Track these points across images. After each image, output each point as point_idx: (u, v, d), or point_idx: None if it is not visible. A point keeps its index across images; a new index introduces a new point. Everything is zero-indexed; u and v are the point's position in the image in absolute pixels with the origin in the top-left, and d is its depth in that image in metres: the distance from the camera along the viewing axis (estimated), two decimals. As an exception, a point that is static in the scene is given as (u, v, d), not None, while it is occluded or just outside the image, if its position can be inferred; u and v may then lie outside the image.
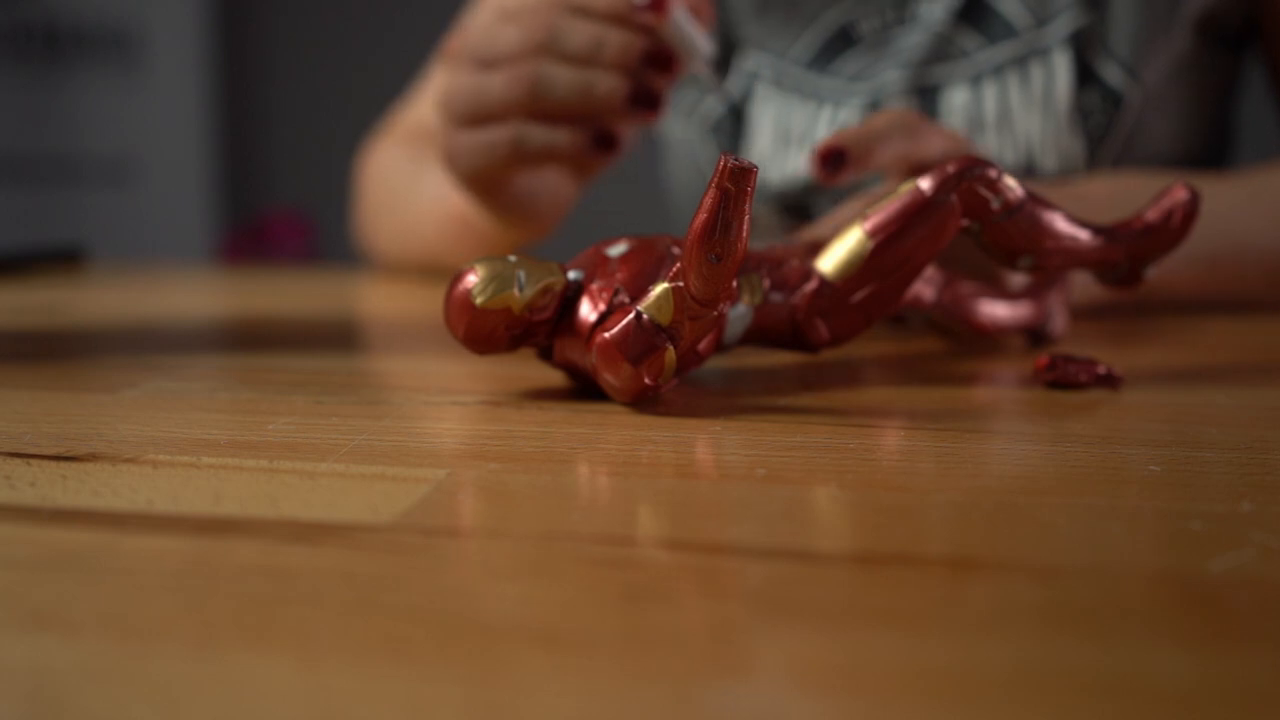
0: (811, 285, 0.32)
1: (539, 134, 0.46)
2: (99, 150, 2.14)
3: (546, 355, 0.31)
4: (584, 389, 0.31)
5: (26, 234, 2.05)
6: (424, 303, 0.55)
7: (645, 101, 0.44)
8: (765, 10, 0.65)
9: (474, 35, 0.46)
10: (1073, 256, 0.34)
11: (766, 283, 0.32)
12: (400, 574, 0.17)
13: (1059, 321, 0.41)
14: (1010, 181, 0.33)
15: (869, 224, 0.32)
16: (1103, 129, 0.59)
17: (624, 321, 0.28)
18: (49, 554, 0.18)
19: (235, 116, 2.27)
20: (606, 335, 0.28)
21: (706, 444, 0.25)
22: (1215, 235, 0.50)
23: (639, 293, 0.29)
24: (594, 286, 0.30)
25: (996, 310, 0.39)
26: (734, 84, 0.66)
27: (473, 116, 0.46)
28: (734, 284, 0.28)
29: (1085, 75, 0.59)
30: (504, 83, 0.45)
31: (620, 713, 0.13)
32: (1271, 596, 0.16)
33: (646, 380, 0.28)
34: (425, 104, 0.71)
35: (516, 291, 0.29)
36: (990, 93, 0.60)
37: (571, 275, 0.30)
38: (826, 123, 0.62)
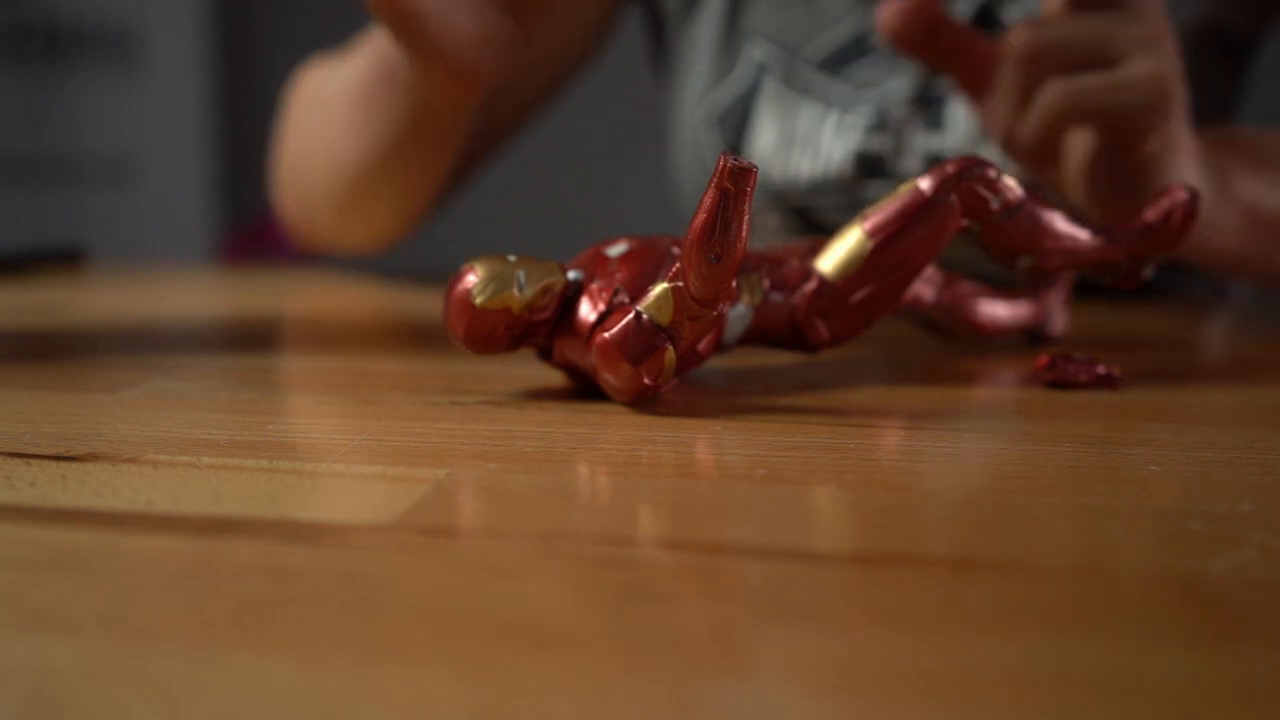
0: (811, 285, 0.32)
1: None
2: (99, 150, 2.14)
3: (546, 355, 0.31)
4: (584, 389, 0.31)
5: (26, 234, 2.05)
6: (424, 303, 0.55)
7: None
8: (784, 3, 0.65)
9: None
10: (1073, 256, 0.34)
11: (766, 283, 0.32)
12: (400, 574, 0.17)
13: (1059, 321, 0.41)
14: (1010, 181, 0.33)
15: (869, 224, 0.32)
16: None
17: (624, 321, 0.28)
18: (49, 554, 0.18)
19: (235, 116, 2.27)
20: (606, 335, 0.28)
21: (706, 444, 0.25)
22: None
23: (639, 293, 0.29)
24: (594, 286, 0.30)
25: (997, 310, 0.39)
26: (741, 74, 0.66)
27: None
28: (734, 284, 0.28)
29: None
30: None
31: (620, 713, 0.13)
32: (1271, 596, 0.16)
33: (646, 380, 0.28)
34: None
35: (516, 291, 0.29)
36: None
37: (571, 275, 0.30)
38: (832, 127, 0.62)
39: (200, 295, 0.64)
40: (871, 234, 0.32)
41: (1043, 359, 0.33)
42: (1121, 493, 0.22)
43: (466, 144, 0.64)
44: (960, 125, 0.60)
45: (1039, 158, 0.43)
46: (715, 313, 0.28)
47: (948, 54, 0.43)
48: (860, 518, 0.20)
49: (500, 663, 0.14)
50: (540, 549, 0.18)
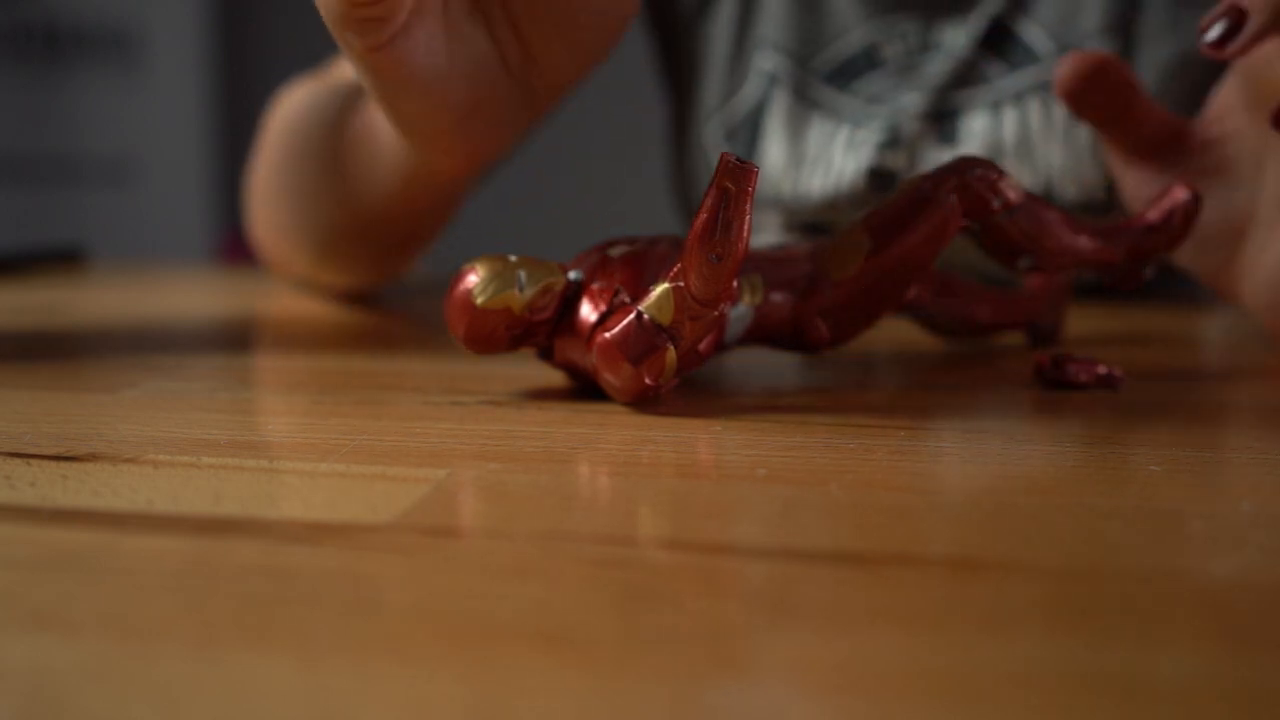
0: (811, 285, 0.32)
1: None
2: (99, 150, 2.14)
3: (547, 355, 0.31)
4: (584, 389, 0.31)
5: (26, 234, 2.05)
6: (423, 303, 0.55)
7: None
8: (794, 13, 0.65)
9: None
10: (1073, 256, 0.34)
11: (766, 283, 0.32)
12: (400, 574, 0.17)
13: (1059, 321, 0.41)
14: (1010, 181, 0.33)
15: (869, 224, 0.32)
16: None
17: (624, 321, 0.28)
18: (49, 554, 0.18)
19: (235, 116, 2.27)
20: (607, 335, 0.28)
21: (707, 444, 0.25)
22: None
23: (639, 293, 0.29)
24: (594, 287, 0.30)
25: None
26: (752, 86, 0.66)
27: None
28: (735, 284, 0.28)
29: None
30: None
31: (620, 713, 0.13)
32: (1271, 597, 0.16)
33: (647, 380, 0.28)
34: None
35: (517, 291, 0.29)
36: (1010, 119, 0.59)
37: (572, 275, 0.30)
38: (844, 143, 0.62)
39: (200, 295, 0.64)
40: (872, 234, 0.32)
41: (1043, 359, 0.33)
42: (1121, 493, 0.22)
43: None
44: (975, 140, 0.60)
45: None
46: (716, 313, 0.28)
47: (1120, 119, 0.38)
48: (860, 518, 0.20)
49: (500, 663, 0.14)
50: (541, 549, 0.18)
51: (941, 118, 0.61)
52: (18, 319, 0.48)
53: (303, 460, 0.24)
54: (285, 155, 0.51)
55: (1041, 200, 0.33)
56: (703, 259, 0.26)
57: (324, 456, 0.24)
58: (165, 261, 0.87)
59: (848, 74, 0.63)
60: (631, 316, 0.28)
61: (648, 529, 0.19)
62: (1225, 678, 0.14)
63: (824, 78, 0.64)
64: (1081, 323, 0.46)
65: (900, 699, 0.13)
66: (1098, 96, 0.38)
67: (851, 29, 0.64)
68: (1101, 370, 0.33)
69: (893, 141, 0.61)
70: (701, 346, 0.30)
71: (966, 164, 0.32)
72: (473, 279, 0.29)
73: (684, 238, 0.29)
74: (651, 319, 0.28)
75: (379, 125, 0.40)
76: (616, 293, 0.29)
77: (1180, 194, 0.34)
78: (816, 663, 0.14)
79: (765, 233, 0.66)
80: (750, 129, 0.65)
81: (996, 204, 0.32)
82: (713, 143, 0.68)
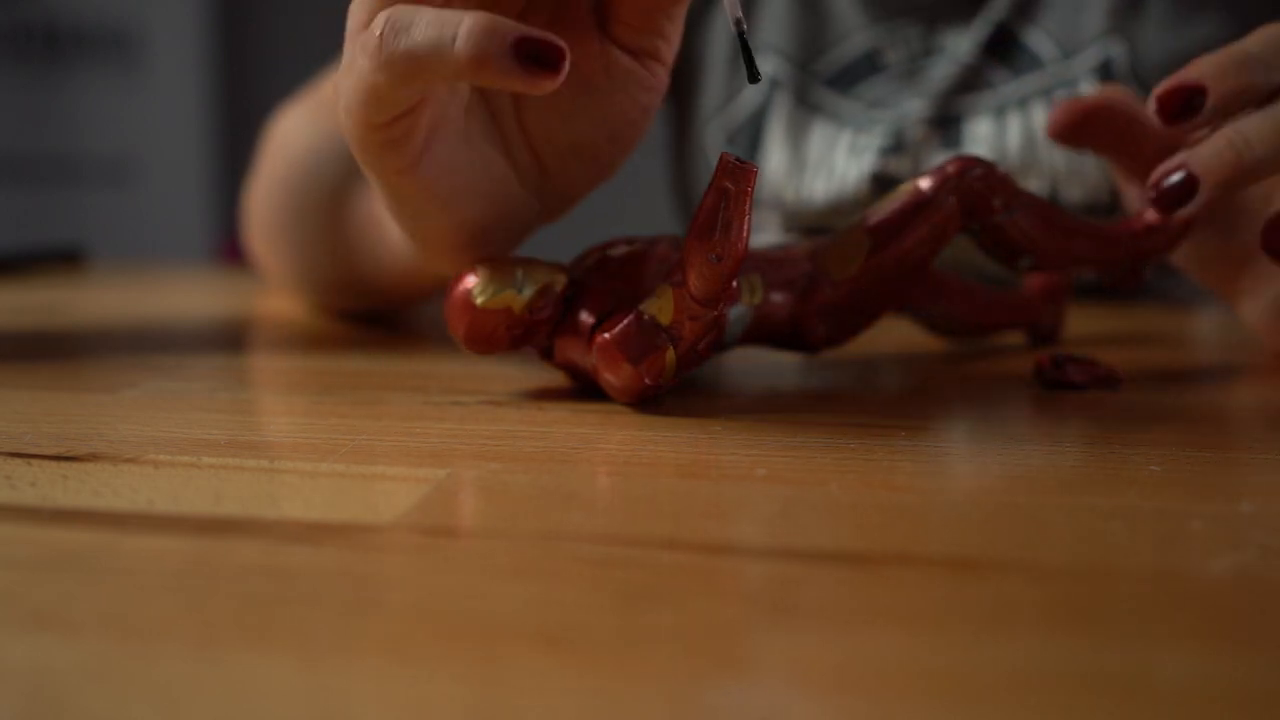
0: (811, 285, 0.32)
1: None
2: (99, 150, 2.14)
3: (547, 355, 0.31)
4: (584, 389, 0.31)
5: (26, 234, 2.05)
6: (424, 303, 0.55)
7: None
8: (796, 17, 0.65)
9: None
10: (1073, 257, 0.34)
11: (766, 283, 0.32)
12: (400, 574, 0.17)
13: (1059, 321, 0.41)
14: (1010, 181, 0.33)
15: (869, 224, 0.32)
16: None
17: (625, 322, 0.28)
18: (49, 554, 0.18)
19: (235, 116, 2.27)
20: (607, 335, 0.28)
21: (707, 444, 0.25)
22: None
23: (639, 293, 0.29)
24: (595, 287, 0.30)
25: (996, 309, 0.39)
26: (753, 89, 0.66)
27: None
28: (734, 284, 0.28)
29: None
30: None
31: (620, 713, 0.13)
32: (1271, 596, 0.16)
33: (647, 380, 0.28)
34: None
35: (517, 292, 0.29)
36: (1014, 124, 0.59)
37: (572, 276, 0.30)
38: (846, 148, 0.62)
39: (200, 295, 0.64)
40: (872, 234, 0.32)
41: (1043, 359, 0.33)
42: (1121, 493, 0.22)
43: None
44: (979, 145, 0.60)
45: None
46: (716, 313, 0.28)
47: (1118, 146, 0.38)
48: (860, 518, 0.20)
49: (501, 662, 0.14)
50: (541, 549, 0.18)
51: (945, 123, 0.60)
52: (18, 319, 0.48)
53: (303, 460, 0.24)
54: (283, 205, 0.50)
55: (1041, 200, 0.33)
56: (703, 259, 0.26)
57: (324, 456, 0.24)
58: (165, 261, 0.87)
59: (849, 78, 0.63)
60: (631, 317, 0.28)
61: (648, 529, 0.19)
62: (1225, 678, 0.14)
63: (825, 82, 0.64)
64: (1081, 323, 0.46)
65: (900, 699, 0.13)
66: (1089, 138, 0.38)
67: (853, 33, 0.64)
68: (1101, 370, 0.33)
69: (896, 147, 0.60)
70: (701, 346, 0.30)
71: (967, 164, 0.32)
72: (473, 280, 0.29)
73: (684, 238, 0.29)
74: (651, 319, 0.28)
75: (386, 222, 0.39)
76: (617, 293, 0.29)
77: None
78: (816, 663, 0.14)
79: (765, 233, 0.65)
80: (751, 133, 0.65)
81: (996, 204, 0.32)
82: (713, 146, 0.67)
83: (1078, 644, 0.15)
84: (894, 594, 0.16)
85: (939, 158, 0.60)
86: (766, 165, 0.64)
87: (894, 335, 0.43)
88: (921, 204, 0.32)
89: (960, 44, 0.61)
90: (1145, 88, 0.57)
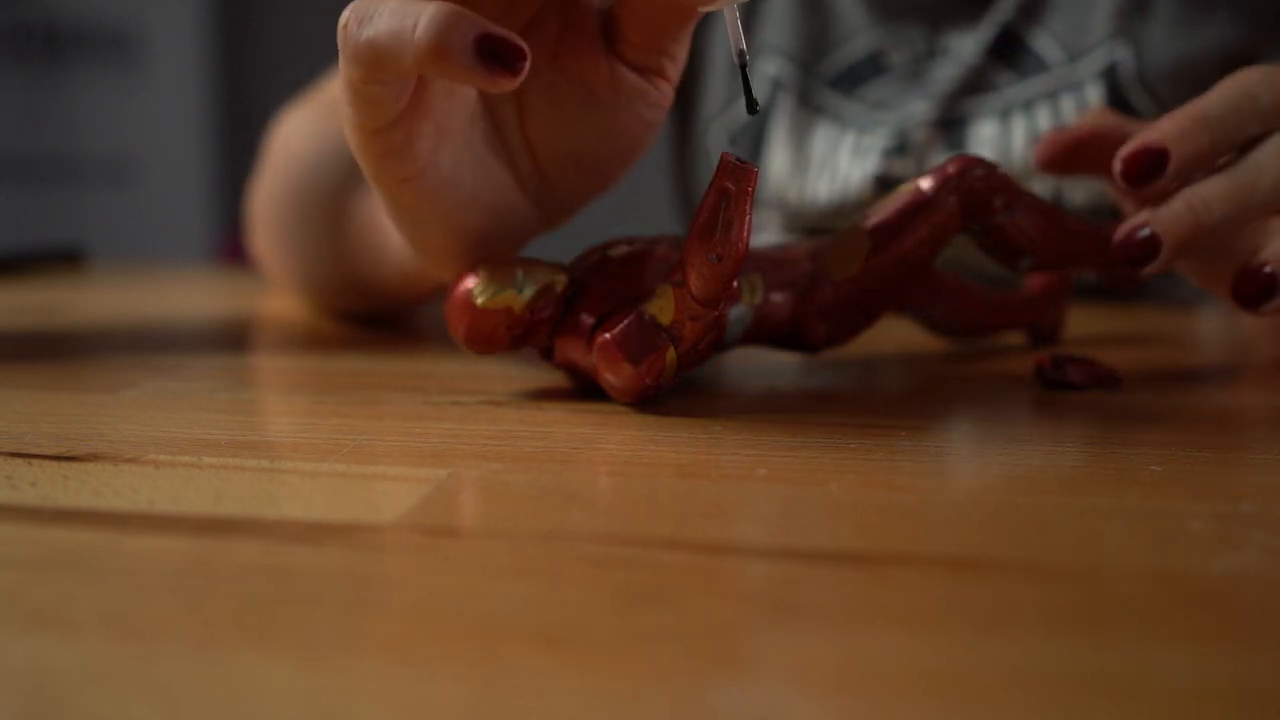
0: (811, 285, 0.32)
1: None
2: (99, 150, 2.14)
3: (547, 355, 0.31)
4: (584, 389, 0.31)
5: (26, 234, 2.05)
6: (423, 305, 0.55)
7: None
8: (799, 18, 0.65)
9: None
10: (1073, 257, 0.34)
11: (766, 283, 0.32)
12: (401, 574, 0.17)
13: (1059, 321, 0.41)
14: (1011, 181, 0.33)
15: (869, 224, 0.32)
16: None
17: (625, 321, 0.28)
18: (50, 554, 0.18)
19: (235, 116, 2.27)
20: (607, 335, 0.28)
21: (707, 444, 0.25)
22: None
23: (639, 293, 0.29)
24: (595, 287, 0.30)
25: (996, 309, 0.39)
26: (756, 91, 0.65)
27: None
28: (734, 284, 0.28)
29: (1118, 110, 0.58)
30: None
31: (620, 713, 0.13)
32: (1271, 596, 0.16)
33: (647, 380, 0.28)
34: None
35: (517, 292, 0.29)
36: (1019, 127, 0.59)
37: (572, 276, 0.30)
38: (849, 149, 0.62)
39: (200, 295, 0.64)
40: (872, 234, 0.32)
41: (1043, 359, 0.33)
42: (1121, 493, 0.22)
43: None
44: (984, 148, 0.60)
45: None
46: (716, 313, 0.28)
47: (1109, 168, 0.40)
48: (860, 518, 0.20)
49: (501, 662, 0.14)
50: (541, 549, 0.18)
51: (949, 125, 0.60)
52: (18, 319, 0.48)
53: (303, 460, 0.24)
54: (285, 205, 0.50)
55: (1042, 201, 0.33)
56: (703, 259, 0.26)
57: (325, 456, 0.24)
58: (165, 261, 0.87)
59: (853, 79, 0.63)
60: (632, 316, 0.28)
61: (648, 529, 0.19)
62: (1225, 678, 0.14)
63: (829, 83, 0.63)
64: (1081, 323, 0.46)
65: (900, 699, 0.13)
66: (1080, 166, 0.39)
67: (857, 34, 0.63)
68: (1101, 370, 0.33)
69: (900, 148, 0.60)
70: (701, 346, 0.30)
71: (967, 164, 0.32)
72: (473, 280, 0.29)
73: (685, 238, 0.29)
74: (652, 319, 0.28)
75: (386, 226, 0.39)
76: (617, 293, 0.29)
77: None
78: (816, 663, 0.14)
79: (766, 233, 0.65)
80: (754, 134, 0.65)
81: (996, 204, 0.32)
82: (715, 147, 0.67)
83: (1078, 644, 0.15)
84: (894, 594, 0.16)
85: (944, 160, 0.60)
86: (769, 166, 0.64)
87: (894, 335, 0.43)
88: (922, 204, 0.32)
89: (965, 46, 0.61)
90: (1151, 91, 0.57)
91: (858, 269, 0.32)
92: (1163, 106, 0.57)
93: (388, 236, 0.39)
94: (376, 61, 0.25)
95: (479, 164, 0.30)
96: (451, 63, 0.24)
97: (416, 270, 0.39)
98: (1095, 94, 0.58)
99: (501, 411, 0.29)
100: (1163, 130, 0.31)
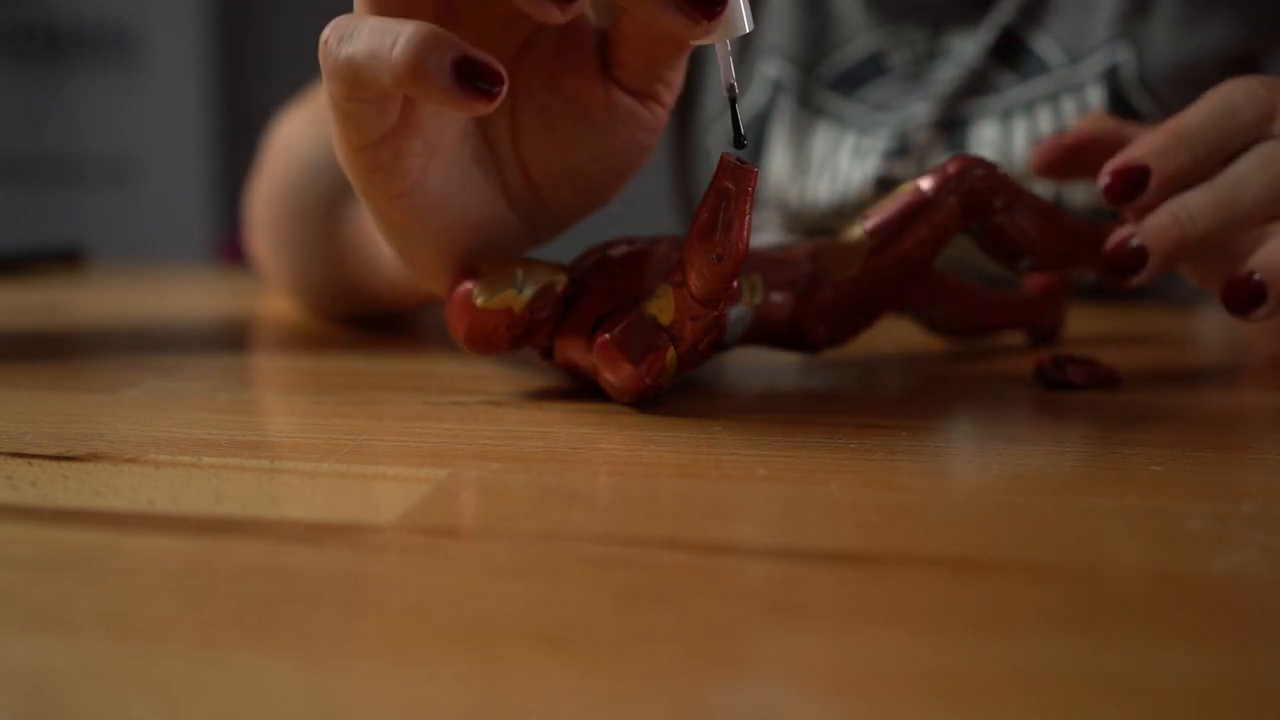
0: (811, 285, 0.32)
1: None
2: (99, 150, 2.14)
3: (547, 355, 0.31)
4: (584, 389, 0.31)
5: (26, 234, 2.05)
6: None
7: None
8: (800, 19, 0.65)
9: None
10: (1073, 257, 0.34)
11: (766, 283, 0.32)
12: (401, 574, 0.17)
13: (1059, 321, 0.41)
14: (1011, 181, 0.33)
15: (869, 224, 0.32)
16: None
17: (625, 321, 0.28)
18: (50, 554, 0.18)
19: (235, 116, 2.27)
20: (607, 335, 0.28)
21: (707, 444, 0.25)
22: None
23: (640, 293, 0.29)
24: (595, 287, 0.30)
25: (996, 309, 0.39)
26: (756, 92, 0.66)
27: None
28: (734, 284, 0.28)
29: (1119, 111, 0.58)
30: None
31: (620, 713, 0.13)
32: (1271, 596, 0.16)
33: (647, 380, 0.28)
34: None
35: (517, 292, 0.29)
36: (1020, 128, 0.59)
37: (572, 276, 0.30)
38: (850, 151, 0.62)
39: (200, 295, 0.64)
40: (872, 234, 0.32)
41: (1043, 359, 0.33)
42: (1121, 493, 0.22)
43: None
44: (985, 149, 0.59)
45: None
46: (716, 313, 0.28)
47: (1099, 168, 0.40)
48: (860, 518, 0.20)
49: (501, 662, 0.14)
50: (541, 549, 0.18)
51: (950, 127, 0.60)
52: (18, 319, 0.48)
53: (303, 460, 0.24)
54: (282, 208, 0.50)
55: (1042, 201, 0.33)
56: (703, 259, 0.26)
57: (324, 456, 0.24)
58: (165, 261, 0.87)
59: (854, 81, 0.63)
60: (632, 316, 0.28)
61: (648, 529, 0.19)
62: (1225, 678, 0.14)
63: (829, 84, 0.63)
64: (1081, 323, 0.46)
65: (900, 699, 0.13)
66: (1078, 170, 0.39)
67: (858, 36, 0.63)
68: (1101, 370, 0.33)
69: (901, 150, 0.60)
70: (701, 346, 0.30)
71: (967, 164, 0.32)
72: (473, 280, 0.29)
73: (684, 238, 0.29)
74: (652, 319, 0.28)
75: (377, 236, 0.38)
76: (617, 293, 0.29)
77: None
78: (816, 663, 0.14)
79: (766, 233, 0.65)
80: (754, 135, 0.65)
81: (997, 204, 0.32)
82: (716, 147, 0.67)
83: (1078, 644, 0.15)
84: (894, 594, 0.16)
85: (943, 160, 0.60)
86: (770, 167, 0.64)
87: (894, 335, 0.43)
88: (922, 204, 0.32)
89: (966, 48, 0.61)
90: (1152, 92, 0.57)
91: (858, 269, 0.32)
92: (1164, 108, 0.57)
93: (379, 246, 0.39)
94: (355, 80, 0.25)
95: (469, 181, 0.30)
96: (429, 84, 0.24)
97: (406, 281, 0.39)
98: (1096, 96, 0.58)
99: (501, 411, 0.29)
100: (1144, 148, 0.32)
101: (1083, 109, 0.58)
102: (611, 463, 0.24)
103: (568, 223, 0.34)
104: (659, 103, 0.31)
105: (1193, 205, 0.31)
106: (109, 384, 0.33)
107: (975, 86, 0.60)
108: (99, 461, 0.24)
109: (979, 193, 0.32)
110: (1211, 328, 0.48)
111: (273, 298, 0.57)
